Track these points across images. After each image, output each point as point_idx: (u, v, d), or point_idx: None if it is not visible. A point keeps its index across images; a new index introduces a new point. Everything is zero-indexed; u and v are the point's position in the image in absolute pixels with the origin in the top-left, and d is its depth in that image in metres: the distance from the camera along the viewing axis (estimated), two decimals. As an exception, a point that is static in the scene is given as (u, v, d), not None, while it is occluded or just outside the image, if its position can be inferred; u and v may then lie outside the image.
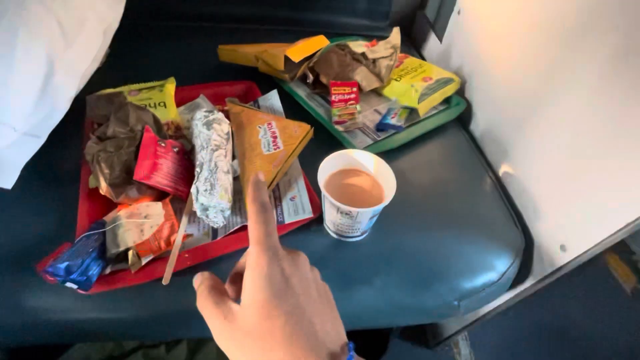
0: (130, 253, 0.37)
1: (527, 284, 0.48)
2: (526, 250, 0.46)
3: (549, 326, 0.81)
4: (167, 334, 0.45)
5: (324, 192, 0.37)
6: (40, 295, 0.38)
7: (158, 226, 0.38)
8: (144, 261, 0.37)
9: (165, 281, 0.35)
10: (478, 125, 0.63)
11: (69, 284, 0.33)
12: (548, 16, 0.47)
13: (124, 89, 0.55)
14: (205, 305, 0.22)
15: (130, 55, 0.67)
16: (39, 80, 0.44)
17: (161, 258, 0.38)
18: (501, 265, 0.44)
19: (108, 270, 0.37)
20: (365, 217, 0.38)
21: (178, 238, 0.38)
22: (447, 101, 0.65)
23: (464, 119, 0.65)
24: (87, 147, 0.42)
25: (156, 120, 0.46)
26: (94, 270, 0.35)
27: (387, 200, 0.37)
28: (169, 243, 0.38)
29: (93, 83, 0.55)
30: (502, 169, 0.55)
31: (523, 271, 0.47)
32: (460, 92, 0.67)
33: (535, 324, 0.82)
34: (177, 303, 0.38)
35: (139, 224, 0.38)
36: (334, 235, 0.43)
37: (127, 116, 0.44)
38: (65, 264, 0.34)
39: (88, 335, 0.40)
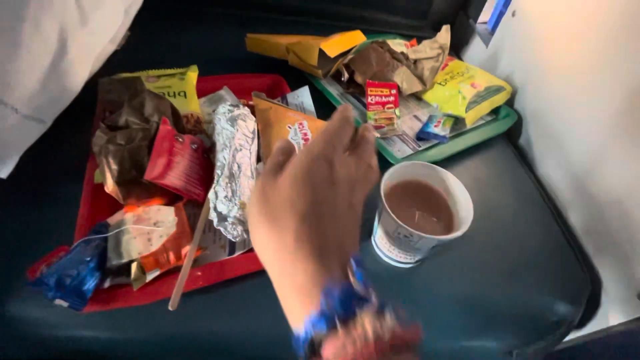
0: (133, 266, 0.31)
1: (585, 331, 0.41)
2: (592, 296, 0.39)
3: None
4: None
5: (384, 203, 0.31)
6: (28, 304, 0.33)
7: (169, 236, 0.32)
8: (149, 277, 0.31)
9: (172, 306, 0.29)
10: (530, 141, 0.56)
11: (58, 301, 0.28)
12: (628, 22, 0.40)
13: (141, 74, 0.50)
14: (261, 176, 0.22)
15: (150, 39, 0.62)
16: (48, 58, 0.39)
17: (168, 274, 0.32)
18: (564, 310, 0.37)
19: (107, 284, 0.31)
20: (427, 245, 0.32)
21: (190, 253, 0.32)
22: (494, 112, 0.59)
23: (511, 133, 0.58)
24: (95, 136, 0.37)
25: (175, 112, 0.41)
26: (90, 285, 0.30)
27: (459, 232, 0.31)
28: (179, 257, 0.33)
29: (108, 67, 0.50)
30: (561, 195, 0.48)
31: (583, 317, 0.40)
32: (509, 102, 0.60)
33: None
34: (183, 326, 0.32)
35: (146, 231, 0.33)
36: (381, 255, 0.37)
37: (142, 105, 0.39)
38: (56, 275, 0.29)
39: (79, 354, 0.34)
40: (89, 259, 0.31)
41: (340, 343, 0.14)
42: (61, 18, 0.40)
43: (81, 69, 0.43)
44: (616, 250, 0.39)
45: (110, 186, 0.34)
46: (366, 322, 0.15)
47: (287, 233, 0.18)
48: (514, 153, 0.55)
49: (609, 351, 0.39)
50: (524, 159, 0.55)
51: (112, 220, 0.35)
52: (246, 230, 0.36)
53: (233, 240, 0.35)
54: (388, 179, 0.34)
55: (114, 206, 0.36)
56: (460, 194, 0.34)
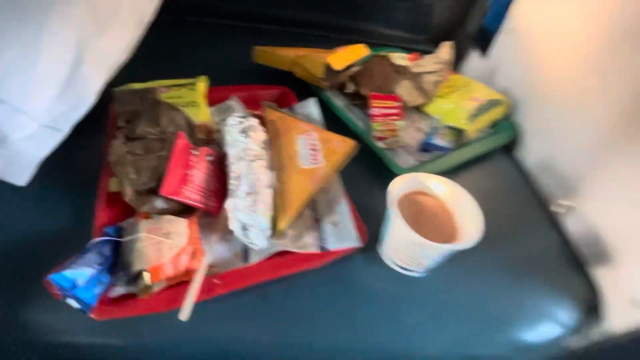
0: (143, 276, 0.32)
1: (585, 338, 0.43)
2: (592, 303, 0.41)
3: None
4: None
5: (395, 214, 0.32)
6: (43, 311, 0.33)
7: (179, 249, 0.33)
8: (155, 288, 0.32)
9: (183, 316, 0.29)
10: (529, 154, 0.58)
11: (70, 301, 0.29)
12: (624, 37, 0.43)
13: (153, 84, 0.51)
14: None
15: (160, 49, 0.63)
16: (66, 68, 0.40)
17: (183, 283, 0.33)
18: (566, 317, 0.39)
19: (119, 292, 0.32)
20: (438, 254, 0.33)
21: (203, 265, 0.33)
22: (494, 125, 0.61)
23: (510, 145, 0.60)
24: (113, 146, 0.38)
25: (189, 123, 0.42)
26: (99, 288, 0.30)
27: (471, 242, 0.32)
28: (186, 272, 0.33)
29: (119, 75, 0.51)
30: (560, 205, 0.50)
31: (584, 324, 0.42)
32: (508, 115, 0.62)
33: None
34: (198, 333, 0.33)
35: (158, 241, 0.33)
36: (390, 264, 0.38)
37: (158, 116, 0.40)
38: (74, 271, 0.29)
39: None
40: (101, 261, 0.31)
41: None
42: (79, 28, 0.41)
43: (97, 78, 0.44)
44: (614, 259, 0.41)
45: (128, 195, 0.35)
46: None
47: None
48: (513, 164, 0.57)
49: (610, 358, 0.41)
50: (523, 170, 0.57)
51: (127, 224, 0.36)
52: (267, 239, 0.37)
53: (256, 249, 0.36)
54: (396, 188, 0.35)
55: (129, 213, 0.37)
56: (469, 206, 0.35)
